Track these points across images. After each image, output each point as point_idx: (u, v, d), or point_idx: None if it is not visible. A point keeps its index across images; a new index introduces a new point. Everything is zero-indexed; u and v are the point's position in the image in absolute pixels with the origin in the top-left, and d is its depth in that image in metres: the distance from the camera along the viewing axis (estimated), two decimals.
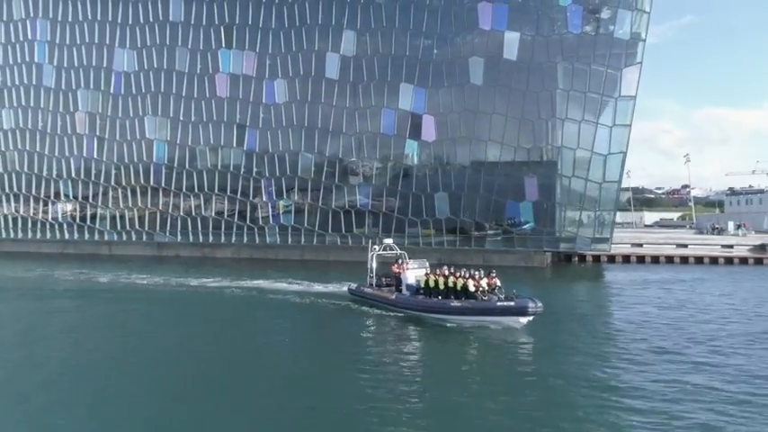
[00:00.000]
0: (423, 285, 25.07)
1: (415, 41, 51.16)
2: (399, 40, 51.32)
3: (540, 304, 21.84)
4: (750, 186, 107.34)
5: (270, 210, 55.20)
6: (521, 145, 48.65)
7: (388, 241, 31.32)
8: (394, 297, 26.24)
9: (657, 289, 34.75)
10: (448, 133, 50.40)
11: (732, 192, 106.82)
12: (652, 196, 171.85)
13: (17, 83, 62.74)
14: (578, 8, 46.70)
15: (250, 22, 55.20)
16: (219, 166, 56.58)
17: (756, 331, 22.54)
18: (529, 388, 15.20)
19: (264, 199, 55.35)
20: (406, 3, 51.14)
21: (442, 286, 24.01)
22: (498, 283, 23.89)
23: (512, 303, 22.20)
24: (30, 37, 62.14)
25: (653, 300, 30.46)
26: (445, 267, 25.18)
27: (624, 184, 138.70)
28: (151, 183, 58.30)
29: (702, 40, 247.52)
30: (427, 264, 27.53)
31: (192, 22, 56.79)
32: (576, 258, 51.71)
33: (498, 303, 22.48)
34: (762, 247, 56.98)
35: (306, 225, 53.87)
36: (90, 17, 59.85)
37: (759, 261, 52.59)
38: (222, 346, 20.44)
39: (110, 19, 59.14)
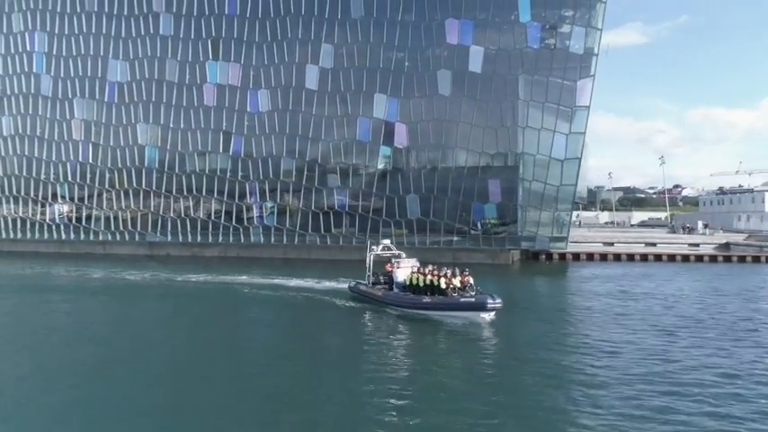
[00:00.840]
0: (408, 283, 27.37)
1: (388, 54, 54.80)
2: (374, 54, 54.93)
3: (498, 300, 23.77)
4: (740, 186, 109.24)
5: (255, 211, 58.68)
6: (485, 151, 52.40)
7: (386, 242, 33.09)
8: (381, 294, 28.75)
9: (597, 283, 38.58)
10: (418, 140, 54.07)
11: (721, 191, 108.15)
12: (643, 196, 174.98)
13: (16, 91, 65.78)
14: (537, 25, 50.43)
15: (235, 36, 58.67)
16: (207, 170, 60.01)
17: (654, 312, 26.28)
18: (486, 367, 18.61)
19: (249, 201, 58.79)
20: (380, 18, 54.69)
21: (421, 284, 26.37)
22: (471, 281, 25.67)
23: (473, 299, 24.20)
24: (28, 48, 65.17)
25: (588, 292, 34.29)
26: (429, 266, 27.32)
27: (610, 185, 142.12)
28: (143, 186, 61.55)
29: (697, 40, 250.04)
30: (417, 263, 29.09)
31: (181, 36, 60.14)
32: (544, 256, 54.73)
33: (461, 300, 24.39)
34: (726, 246, 60.12)
35: (288, 225, 57.34)
36: (85, 30, 63.01)
37: (713, 258, 55.57)
38: (208, 335, 23.22)
39: (104, 32, 62.38)
